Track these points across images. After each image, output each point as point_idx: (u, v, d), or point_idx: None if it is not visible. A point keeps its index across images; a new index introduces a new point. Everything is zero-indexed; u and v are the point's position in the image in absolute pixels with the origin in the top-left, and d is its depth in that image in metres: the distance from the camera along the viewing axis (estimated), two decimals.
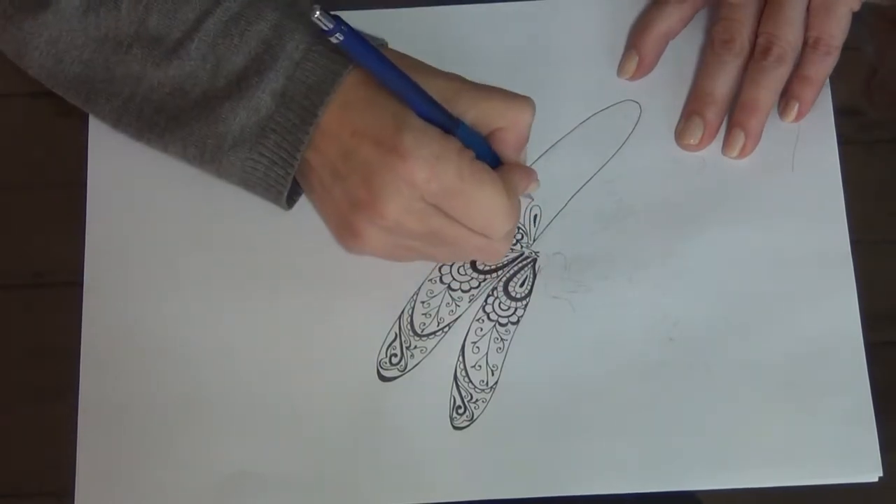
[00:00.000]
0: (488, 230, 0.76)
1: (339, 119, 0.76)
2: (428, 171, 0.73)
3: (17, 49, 0.80)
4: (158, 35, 0.78)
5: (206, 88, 0.77)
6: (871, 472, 0.77)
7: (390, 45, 0.80)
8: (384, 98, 0.75)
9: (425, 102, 0.75)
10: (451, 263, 0.81)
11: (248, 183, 0.79)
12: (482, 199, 0.75)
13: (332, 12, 0.71)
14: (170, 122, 0.78)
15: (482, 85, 0.78)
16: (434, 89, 0.76)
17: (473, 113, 0.77)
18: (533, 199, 0.82)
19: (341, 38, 0.71)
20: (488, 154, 0.77)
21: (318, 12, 0.70)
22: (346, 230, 0.77)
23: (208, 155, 0.78)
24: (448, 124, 0.75)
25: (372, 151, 0.74)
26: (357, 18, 0.79)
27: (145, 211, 0.83)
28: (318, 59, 0.76)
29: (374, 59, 0.74)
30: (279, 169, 0.77)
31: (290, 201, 0.80)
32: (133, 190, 0.83)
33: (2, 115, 0.87)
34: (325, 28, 0.71)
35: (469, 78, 0.78)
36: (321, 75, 0.76)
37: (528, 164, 0.81)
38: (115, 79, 0.79)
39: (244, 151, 0.77)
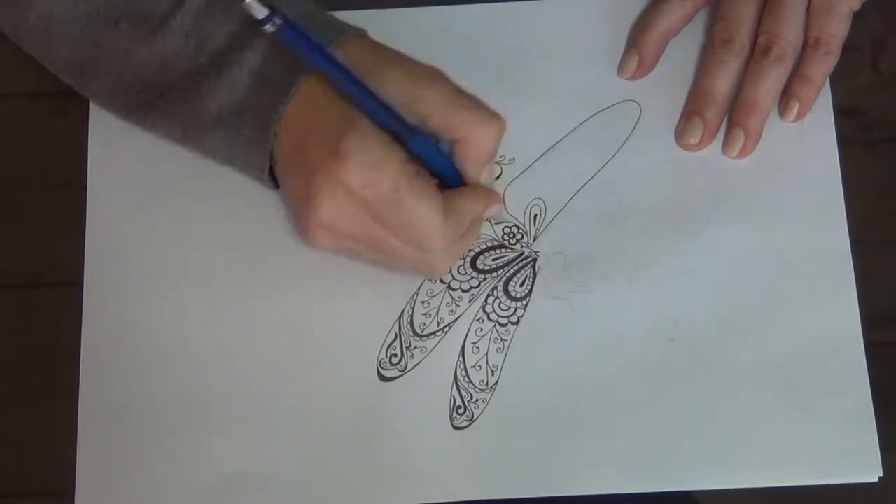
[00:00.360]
0: (421, 246, 0.75)
1: (298, 112, 0.75)
2: (364, 177, 0.72)
3: (10, 23, 0.80)
4: (145, 10, 0.78)
5: (189, 66, 0.77)
6: (871, 472, 0.77)
7: (387, 43, 0.79)
8: (340, 99, 0.74)
9: (376, 107, 0.73)
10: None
11: (232, 161, 0.79)
12: (413, 215, 0.73)
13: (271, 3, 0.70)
14: (156, 99, 0.78)
15: (458, 90, 0.75)
16: (397, 92, 0.74)
17: (436, 120, 0.74)
18: (504, 222, 0.81)
19: (273, 28, 0.70)
20: (449, 168, 0.75)
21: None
22: (297, 224, 0.77)
23: (192, 132, 0.78)
24: (402, 132, 0.73)
25: (317, 150, 0.73)
26: (357, 18, 0.79)
27: (145, 211, 0.83)
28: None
29: (317, 56, 0.72)
30: (258, 147, 0.76)
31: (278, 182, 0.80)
32: (133, 190, 0.83)
33: (2, 115, 0.87)
34: (258, 18, 0.70)
35: (469, 78, 0.77)
36: (294, 61, 0.75)
37: (493, 182, 0.79)
38: (104, 57, 0.79)
39: (224, 130, 0.77)
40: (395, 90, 0.74)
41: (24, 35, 0.80)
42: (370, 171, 0.72)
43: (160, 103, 0.78)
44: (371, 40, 0.78)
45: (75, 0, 0.78)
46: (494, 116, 0.75)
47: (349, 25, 0.77)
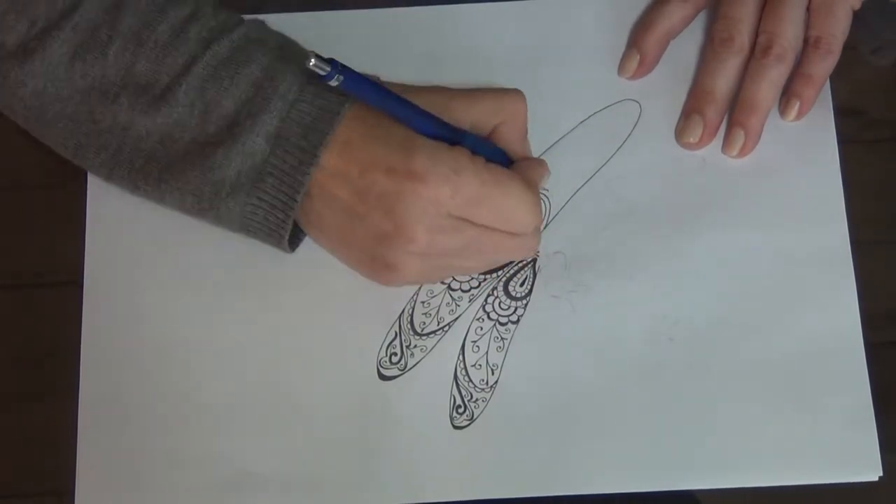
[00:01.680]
0: (519, 228, 0.76)
1: (345, 158, 0.75)
2: (449, 186, 0.73)
3: (3, 101, 0.79)
4: (146, 82, 0.76)
5: (196, 135, 0.76)
6: (870, 472, 0.77)
7: (390, 47, 0.79)
8: (385, 128, 0.75)
9: (429, 122, 0.75)
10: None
11: (248, 229, 0.78)
12: (507, 199, 0.75)
13: (327, 57, 0.71)
14: (163, 172, 0.77)
15: (468, 89, 0.78)
16: (424, 105, 0.75)
17: (470, 117, 0.77)
18: (548, 190, 0.82)
19: (341, 79, 0.71)
20: (497, 154, 0.78)
21: (313, 60, 0.70)
22: (378, 266, 0.76)
23: (206, 203, 0.77)
24: (454, 137, 0.75)
25: (387, 182, 0.74)
26: (358, 18, 0.79)
27: (145, 211, 0.82)
28: (312, 99, 0.75)
29: (374, 92, 0.74)
30: (279, 213, 0.76)
31: (293, 244, 0.80)
32: None
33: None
34: (322, 73, 0.71)
35: (471, 78, 0.78)
36: (317, 115, 0.75)
37: (533, 153, 0.82)
38: (101, 131, 0.77)
39: (242, 196, 0.76)
40: (424, 107, 0.75)
41: (18, 113, 0.79)
42: (453, 179, 0.74)
43: (167, 175, 0.77)
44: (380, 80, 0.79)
45: (70, 77, 0.76)
46: (515, 91, 0.78)
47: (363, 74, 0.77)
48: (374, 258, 0.76)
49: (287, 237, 0.77)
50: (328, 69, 0.71)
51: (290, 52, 0.78)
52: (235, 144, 0.75)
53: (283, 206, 0.76)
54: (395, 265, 0.76)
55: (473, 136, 0.76)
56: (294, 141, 0.75)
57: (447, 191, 0.73)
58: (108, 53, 0.76)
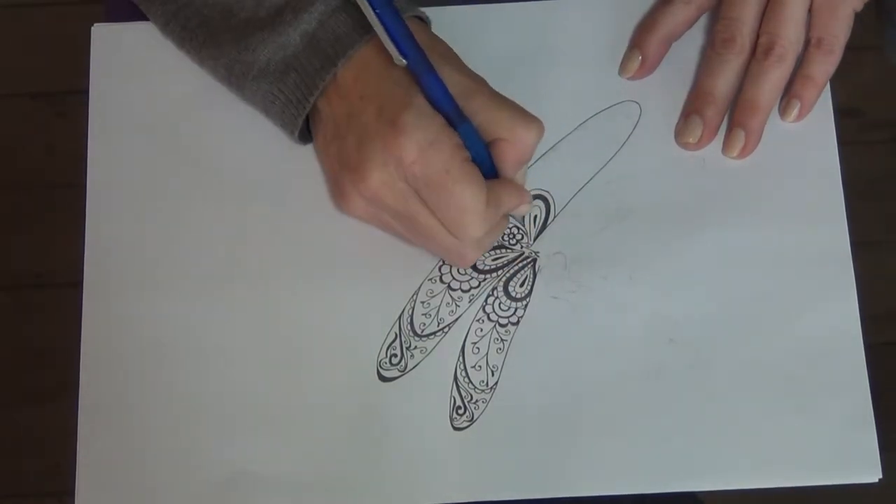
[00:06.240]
0: (458, 231, 0.76)
1: (354, 78, 0.77)
2: (416, 153, 0.74)
3: None
4: None
5: (250, 16, 0.79)
6: (870, 472, 0.77)
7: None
8: (401, 71, 0.76)
9: (438, 89, 0.75)
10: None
11: (267, 113, 0.81)
12: (458, 199, 0.75)
13: None
14: (207, 38, 0.80)
15: (500, 94, 0.78)
16: (451, 83, 0.76)
17: (482, 117, 0.77)
18: (520, 221, 0.82)
19: None
20: (486, 162, 0.77)
21: None
22: (336, 189, 0.79)
23: (234, 79, 0.80)
24: (455, 119, 0.76)
25: (372, 118, 0.75)
26: None
27: (145, 211, 0.83)
28: (352, 12, 0.77)
29: (400, 29, 0.74)
30: (293, 109, 0.79)
31: (306, 139, 0.82)
32: (133, 190, 0.83)
33: (2, 115, 0.87)
34: None
35: None
36: (351, 27, 0.77)
37: (525, 183, 0.80)
38: None
39: (266, 84, 0.79)
40: (448, 81, 0.76)
41: None
42: (425, 149, 0.74)
43: (210, 42, 0.80)
44: (429, 29, 0.80)
45: None
46: (536, 120, 0.78)
47: (415, 7, 0.79)
48: (336, 180, 0.78)
49: (297, 132, 0.80)
50: None
51: None
52: (273, 33, 0.78)
53: (297, 104, 0.78)
54: (346, 195, 0.77)
55: (471, 130, 0.76)
56: (323, 46, 0.77)
57: (412, 156, 0.74)
58: None
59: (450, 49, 0.79)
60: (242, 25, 0.79)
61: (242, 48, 0.79)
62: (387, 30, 0.74)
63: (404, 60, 0.74)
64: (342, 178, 0.77)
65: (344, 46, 0.77)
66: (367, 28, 0.76)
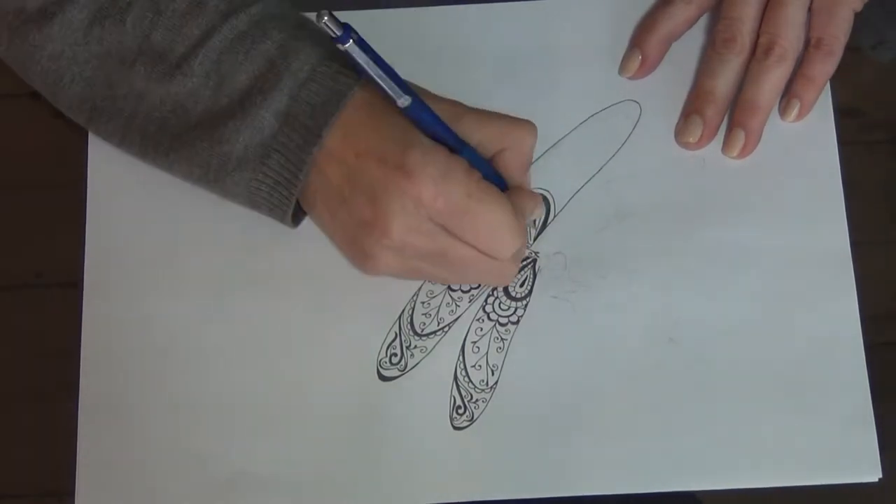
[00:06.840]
0: (495, 251, 0.75)
1: (343, 141, 0.75)
2: (434, 188, 0.73)
3: (21, 63, 0.80)
4: (162, 50, 0.77)
5: (209, 106, 0.77)
6: (870, 472, 0.77)
7: (389, 47, 0.79)
8: (389, 118, 0.74)
9: (433, 121, 0.74)
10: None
11: (253, 203, 0.78)
12: (489, 218, 0.74)
13: (343, 21, 0.70)
14: (173, 141, 0.77)
15: (483, 110, 0.77)
16: (437, 108, 0.75)
17: (477, 137, 0.76)
18: (535, 227, 0.82)
19: (348, 43, 0.70)
20: (493, 178, 0.77)
21: (325, 17, 0.69)
22: (357, 252, 0.77)
23: (212, 175, 0.77)
24: (456, 145, 0.75)
25: (377, 171, 0.74)
26: (358, 18, 0.78)
27: (145, 211, 0.83)
28: (322, 80, 0.75)
29: (391, 71, 0.72)
30: (283, 189, 0.76)
31: (297, 220, 0.80)
32: (133, 190, 0.83)
33: (2, 115, 0.87)
34: (333, 35, 0.70)
35: (470, 78, 0.78)
36: (326, 96, 0.75)
37: (531, 186, 0.81)
38: (116, 96, 0.78)
39: (248, 172, 0.76)
40: (435, 111, 0.75)
41: (35, 76, 0.79)
42: (440, 182, 0.73)
43: (177, 144, 0.77)
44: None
45: (87, 41, 0.77)
46: (527, 123, 0.77)
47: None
48: (354, 243, 0.76)
49: (290, 213, 0.78)
50: (339, 33, 0.69)
51: (307, 31, 0.78)
52: (245, 119, 0.76)
53: (286, 184, 0.76)
54: (370, 255, 0.76)
55: (473, 151, 0.76)
56: (302, 120, 0.75)
57: (431, 192, 0.73)
58: (126, 20, 0.77)
59: (416, 85, 0.77)
60: (208, 118, 0.76)
61: (216, 141, 0.76)
62: (387, 74, 0.72)
63: (409, 99, 0.73)
64: (361, 239, 0.75)
65: (325, 115, 0.75)
66: (339, 91, 0.75)
